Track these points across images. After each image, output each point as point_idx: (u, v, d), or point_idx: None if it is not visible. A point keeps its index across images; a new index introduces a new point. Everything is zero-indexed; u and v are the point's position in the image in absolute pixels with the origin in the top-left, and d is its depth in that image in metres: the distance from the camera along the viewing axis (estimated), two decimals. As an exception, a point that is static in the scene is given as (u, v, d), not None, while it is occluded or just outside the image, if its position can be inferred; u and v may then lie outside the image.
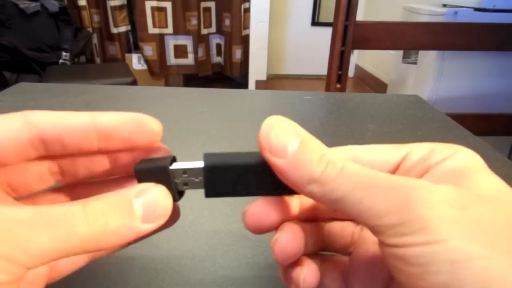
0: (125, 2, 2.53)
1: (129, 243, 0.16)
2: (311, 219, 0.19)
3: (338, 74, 1.23)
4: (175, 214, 0.17)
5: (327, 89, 1.27)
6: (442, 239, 0.12)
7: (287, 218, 0.17)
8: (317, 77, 3.17)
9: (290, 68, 3.32)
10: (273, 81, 3.11)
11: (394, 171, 0.17)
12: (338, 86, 1.24)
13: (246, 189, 0.16)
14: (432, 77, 1.78)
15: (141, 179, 0.16)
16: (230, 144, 0.44)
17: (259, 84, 2.85)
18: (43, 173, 0.17)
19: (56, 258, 0.13)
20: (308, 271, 0.17)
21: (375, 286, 0.17)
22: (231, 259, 0.26)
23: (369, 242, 0.18)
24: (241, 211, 0.17)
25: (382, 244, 0.13)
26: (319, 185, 0.14)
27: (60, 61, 1.99)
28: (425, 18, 1.82)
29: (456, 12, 1.66)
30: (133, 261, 0.26)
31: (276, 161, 0.15)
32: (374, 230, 0.13)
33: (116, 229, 0.14)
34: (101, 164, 0.17)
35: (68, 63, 2.01)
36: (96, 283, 0.24)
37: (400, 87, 2.14)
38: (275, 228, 0.17)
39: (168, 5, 2.52)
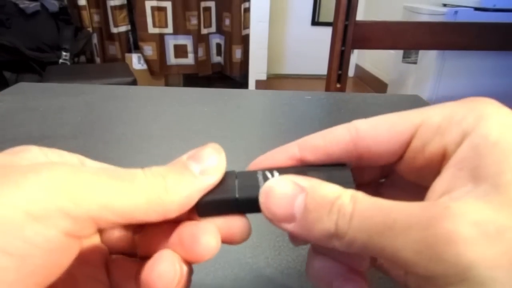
0: (125, 2, 2.53)
1: (190, 210, 0.15)
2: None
3: (338, 74, 1.23)
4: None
5: (327, 89, 1.27)
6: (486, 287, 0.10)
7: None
8: (317, 77, 3.17)
9: (290, 68, 3.32)
10: (273, 81, 3.11)
11: (404, 150, 0.14)
12: (338, 86, 1.24)
13: None
14: (432, 77, 1.78)
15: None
16: (231, 144, 0.44)
17: (259, 84, 2.85)
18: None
19: (127, 221, 0.13)
20: None
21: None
22: (231, 259, 0.26)
23: None
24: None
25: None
26: (338, 239, 0.12)
27: (60, 61, 1.99)
28: (425, 17, 1.83)
29: (456, 12, 1.66)
30: (133, 261, 0.26)
31: (287, 227, 0.13)
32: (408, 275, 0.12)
33: (175, 184, 0.14)
34: None
35: (68, 63, 2.01)
36: (96, 283, 0.24)
37: (400, 87, 2.14)
38: None
39: (168, 5, 2.52)
